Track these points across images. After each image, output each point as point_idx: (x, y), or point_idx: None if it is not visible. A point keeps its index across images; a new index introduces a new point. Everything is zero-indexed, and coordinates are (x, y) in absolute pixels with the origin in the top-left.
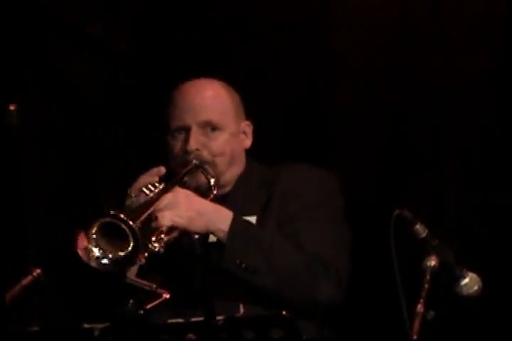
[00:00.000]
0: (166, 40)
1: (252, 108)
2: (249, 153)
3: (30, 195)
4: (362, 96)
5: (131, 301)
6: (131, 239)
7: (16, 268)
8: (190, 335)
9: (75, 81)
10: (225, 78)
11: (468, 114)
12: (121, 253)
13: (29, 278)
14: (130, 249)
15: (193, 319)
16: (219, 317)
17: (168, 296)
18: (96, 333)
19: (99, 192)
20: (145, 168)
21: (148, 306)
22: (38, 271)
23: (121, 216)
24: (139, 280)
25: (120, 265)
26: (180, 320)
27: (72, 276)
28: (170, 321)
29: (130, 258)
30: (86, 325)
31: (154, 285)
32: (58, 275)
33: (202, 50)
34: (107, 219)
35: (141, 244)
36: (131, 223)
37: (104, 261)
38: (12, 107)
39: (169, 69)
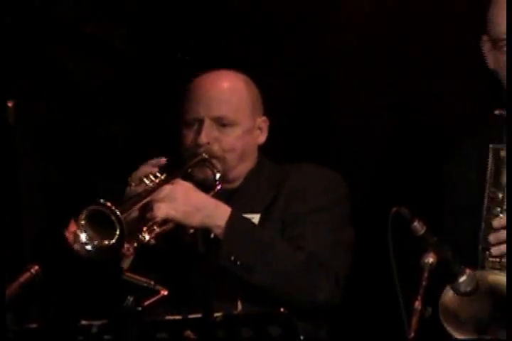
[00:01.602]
0: (164, 38)
1: None
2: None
3: (27, 192)
4: (363, 96)
5: (128, 298)
6: (117, 229)
7: (14, 265)
8: (188, 332)
9: (73, 79)
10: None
11: (468, 112)
12: (106, 242)
13: (27, 274)
14: (115, 238)
15: (191, 316)
16: (217, 314)
17: (166, 293)
18: (94, 330)
19: (96, 189)
20: (146, 159)
21: (146, 303)
22: (36, 267)
23: (109, 205)
24: (137, 277)
25: (104, 253)
26: (178, 317)
27: (70, 273)
28: (168, 318)
29: (115, 248)
30: (84, 322)
31: (152, 282)
32: (56, 272)
33: (200, 48)
34: (96, 207)
35: (129, 235)
36: (118, 213)
37: (88, 247)
38: (10, 104)
39: (168, 67)
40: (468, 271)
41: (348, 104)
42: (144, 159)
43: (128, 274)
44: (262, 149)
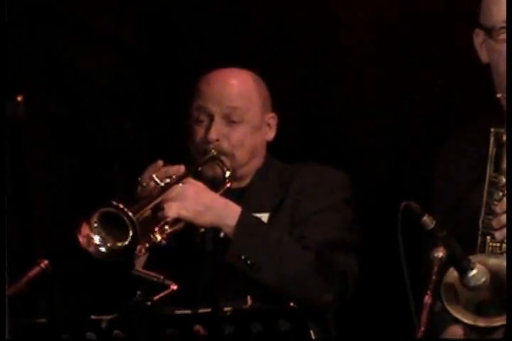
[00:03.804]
0: (174, 33)
1: None
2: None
3: (36, 187)
4: (371, 92)
5: (138, 293)
6: (130, 230)
7: (24, 260)
8: (198, 327)
9: (83, 75)
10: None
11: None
12: (120, 244)
13: (36, 269)
14: (129, 240)
15: (201, 310)
16: (226, 309)
17: (175, 288)
18: (103, 325)
19: (105, 185)
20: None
21: (156, 298)
22: (46, 262)
23: (121, 207)
24: (147, 272)
25: (118, 255)
26: (187, 312)
27: (79, 268)
28: (177, 312)
29: (128, 249)
30: (93, 317)
31: (162, 277)
32: (65, 266)
33: (211, 43)
34: (108, 209)
35: (141, 236)
36: (130, 214)
37: (102, 249)
38: (19, 98)
39: (178, 62)
40: (478, 265)
41: (356, 101)
42: (153, 156)
43: (138, 269)
44: (270, 149)
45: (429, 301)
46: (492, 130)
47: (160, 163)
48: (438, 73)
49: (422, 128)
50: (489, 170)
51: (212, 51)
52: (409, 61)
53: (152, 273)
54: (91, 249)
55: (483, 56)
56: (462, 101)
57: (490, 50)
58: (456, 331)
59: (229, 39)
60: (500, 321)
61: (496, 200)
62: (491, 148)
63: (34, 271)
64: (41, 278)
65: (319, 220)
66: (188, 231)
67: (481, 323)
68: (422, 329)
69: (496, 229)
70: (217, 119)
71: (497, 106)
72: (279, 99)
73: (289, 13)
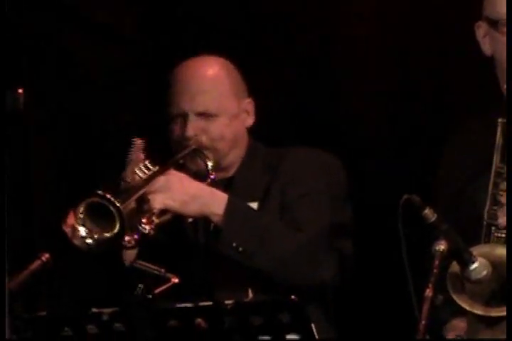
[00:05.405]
0: (176, 26)
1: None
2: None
3: (37, 180)
4: (370, 82)
5: (139, 286)
6: (117, 220)
7: (24, 253)
8: (199, 320)
9: (83, 67)
10: (232, 58)
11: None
12: (107, 235)
13: (37, 262)
14: (116, 230)
15: (202, 303)
16: (227, 302)
17: (176, 280)
18: (104, 318)
19: (104, 178)
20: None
21: (157, 291)
22: (47, 255)
23: (108, 197)
24: (148, 265)
25: (105, 246)
26: (189, 305)
27: (80, 261)
28: (179, 305)
29: (116, 240)
30: (94, 310)
31: (163, 270)
32: (66, 259)
33: (211, 36)
34: (94, 199)
35: (128, 226)
36: (118, 204)
37: (89, 240)
38: (20, 90)
39: (177, 55)
40: (479, 258)
41: (355, 89)
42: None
43: (139, 262)
44: (266, 136)
45: (430, 294)
46: (500, 120)
47: (141, 156)
48: (439, 69)
49: (423, 122)
50: (495, 160)
51: (214, 42)
52: (410, 56)
53: (153, 266)
54: (76, 241)
55: (486, 49)
56: (464, 95)
57: (494, 42)
58: (458, 324)
59: (231, 30)
60: (504, 311)
61: (501, 191)
62: (497, 139)
63: (35, 265)
64: (42, 271)
65: (307, 203)
66: (180, 226)
67: (487, 313)
68: (423, 322)
69: (501, 220)
70: (192, 116)
71: (501, 98)
72: (279, 91)
73: (289, 5)
